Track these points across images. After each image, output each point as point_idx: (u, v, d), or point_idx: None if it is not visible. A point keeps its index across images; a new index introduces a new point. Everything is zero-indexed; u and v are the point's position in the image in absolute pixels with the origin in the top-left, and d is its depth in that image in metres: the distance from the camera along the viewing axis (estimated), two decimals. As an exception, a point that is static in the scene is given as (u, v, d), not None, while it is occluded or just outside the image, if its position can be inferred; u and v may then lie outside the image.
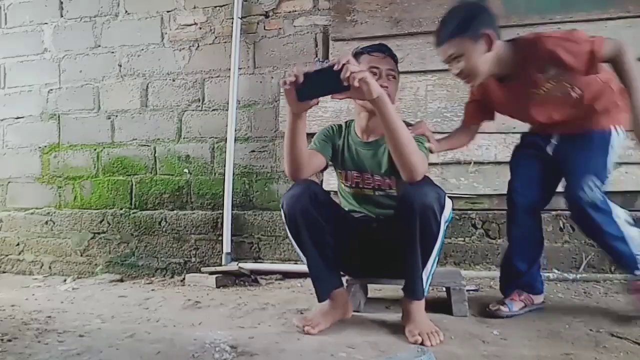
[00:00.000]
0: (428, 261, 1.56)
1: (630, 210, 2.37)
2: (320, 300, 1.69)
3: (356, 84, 1.36)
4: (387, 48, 1.80)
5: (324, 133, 1.86)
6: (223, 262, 2.73)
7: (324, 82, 1.40)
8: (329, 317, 1.66)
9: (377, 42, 2.72)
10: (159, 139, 3.01)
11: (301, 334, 1.58)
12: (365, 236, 1.76)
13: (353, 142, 1.83)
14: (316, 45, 2.77)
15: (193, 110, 2.96)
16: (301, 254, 1.69)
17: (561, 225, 2.46)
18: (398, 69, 1.82)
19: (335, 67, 1.37)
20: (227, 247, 2.75)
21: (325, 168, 1.86)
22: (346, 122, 1.90)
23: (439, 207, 1.49)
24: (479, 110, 1.89)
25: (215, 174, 2.91)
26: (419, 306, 1.58)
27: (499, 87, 1.72)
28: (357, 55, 1.79)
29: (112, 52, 3.09)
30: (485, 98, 1.82)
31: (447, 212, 1.55)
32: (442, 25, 1.61)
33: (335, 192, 2.04)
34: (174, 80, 2.99)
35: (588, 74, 1.54)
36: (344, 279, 1.82)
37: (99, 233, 3.07)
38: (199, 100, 2.95)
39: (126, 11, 3.07)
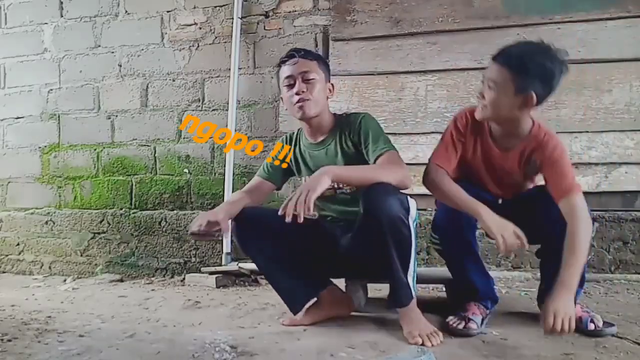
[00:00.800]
0: (409, 265, 1.55)
1: (630, 211, 2.40)
2: (294, 314, 1.72)
3: (301, 220, 1.38)
4: (298, 50, 1.73)
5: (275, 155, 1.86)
6: (223, 262, 2.73)
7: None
8: (311, 316, 1.70)
9: (377, 42, 2.73)
10: (159, 139, 3.01)
11: (301, 333, 1.59)
12: (335, 239, 1.74)
13: (305, 147, 1.81)
14: (316, 45, 2.77)
15: (193, 110, 2.96)
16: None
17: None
18: (323, 63, 1.76)
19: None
20: (227, 247, 2.74)
21: (278, 189, 1.89)
22: (299, 129, 1.86)
23: (404, 212, 1.49)
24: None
25: (215, 174, 2.91)
26: (412, 306, 1.57)
27: (495, 147, 1.64)
28: (277, 69, 1.77)
29: (112, 52, 3.09)
30: (465, 152, 1.66)
31: (413, 212, 1.55)
32: (514, 47, 1.51)
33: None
34: (174, 80, 2.99)
35: (551, 188, 1.55)
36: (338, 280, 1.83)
37: (99, 233, 3.07)
38: (199, 100, 2.95)
39: (126, 11, 3.07)
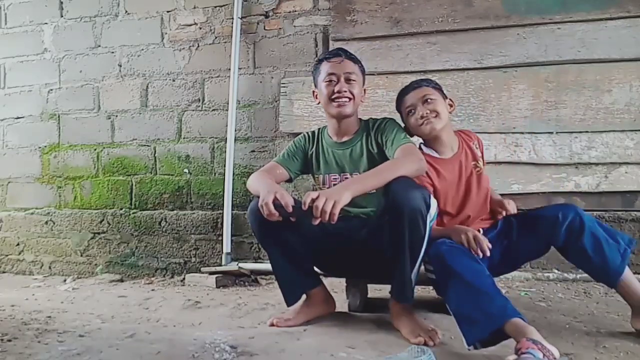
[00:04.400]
0: (416, 263, 1.56)
1: (630, 211, 2.40)
2: (288, 305, 1.74)
3: (326, 218, 1.40)
4: (344, 51, 1.80)
5: (293, 146, 1.86)
6: (223, 262, 2.73)
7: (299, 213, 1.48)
8: (302, 315, 1.71)
9: (377, 42, 2.75)
10: (159, 139, 3.01)
11: (301, 333, 1.59)
12: (343, 237, 1.72)
13: (327, 145, 1.82)
14: (316, 45, 2.77)
15: (193, 110, 2.96)
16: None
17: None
18: (362, 68, 1.82)
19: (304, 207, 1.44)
20: (227, 247, 2.75)
21: (290, 180, 1.86)
22: (319, 129, 1.89)
23: (425, 207, 1.50)
24: None
25: (215, 174, 2.91)
26: (410, 305, 1.59)
27: (438, 161, 1.75)
28: (318, 63, 1.80)
29: (112, 52, 3.09)
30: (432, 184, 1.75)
31: (433, 211, 1.56)
32: (420, 80, 1.85)
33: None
34: (174, 80, 2.99)
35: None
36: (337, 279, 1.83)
37: (99, 233, 3.07)
38: (199, 100, 2.95)
39: (126, 11, 3.07)
